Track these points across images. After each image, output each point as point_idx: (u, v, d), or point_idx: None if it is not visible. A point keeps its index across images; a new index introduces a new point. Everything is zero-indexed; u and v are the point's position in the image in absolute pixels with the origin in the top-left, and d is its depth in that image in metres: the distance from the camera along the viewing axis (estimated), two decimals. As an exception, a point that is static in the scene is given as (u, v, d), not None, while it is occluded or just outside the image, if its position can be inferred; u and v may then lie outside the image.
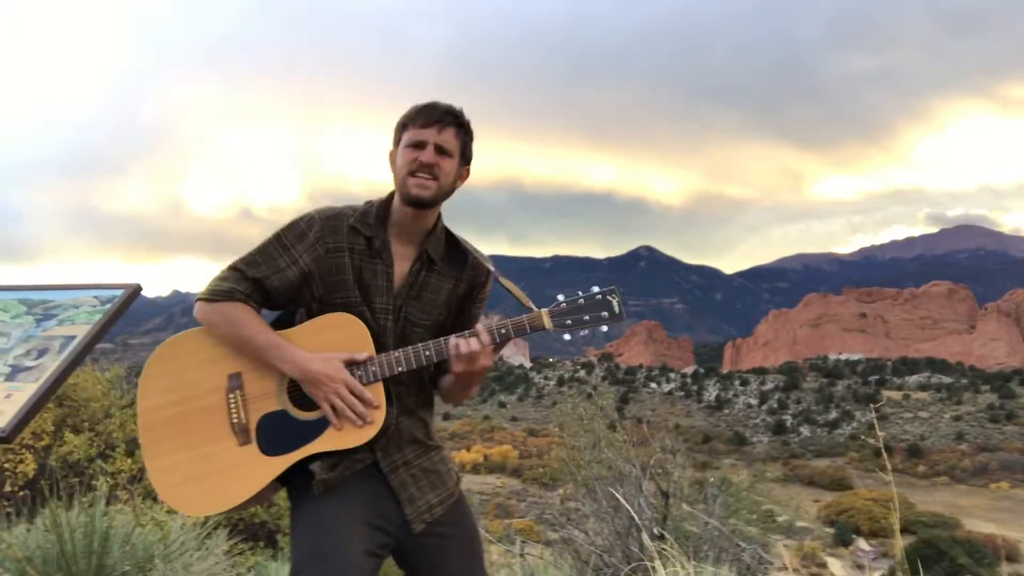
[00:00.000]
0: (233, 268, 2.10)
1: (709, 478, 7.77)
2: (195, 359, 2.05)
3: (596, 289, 2.08)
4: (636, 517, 5.76)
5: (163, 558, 3.88)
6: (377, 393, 2.04)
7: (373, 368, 2.04)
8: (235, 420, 2.01)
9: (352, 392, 2.00)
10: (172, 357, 2.07)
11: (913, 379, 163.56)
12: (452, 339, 2.05)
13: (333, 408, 2.00)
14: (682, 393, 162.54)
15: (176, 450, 2.00)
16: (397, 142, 2.15)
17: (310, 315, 2.17)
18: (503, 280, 2.18)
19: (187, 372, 2.04)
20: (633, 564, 5.03)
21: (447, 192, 2.15)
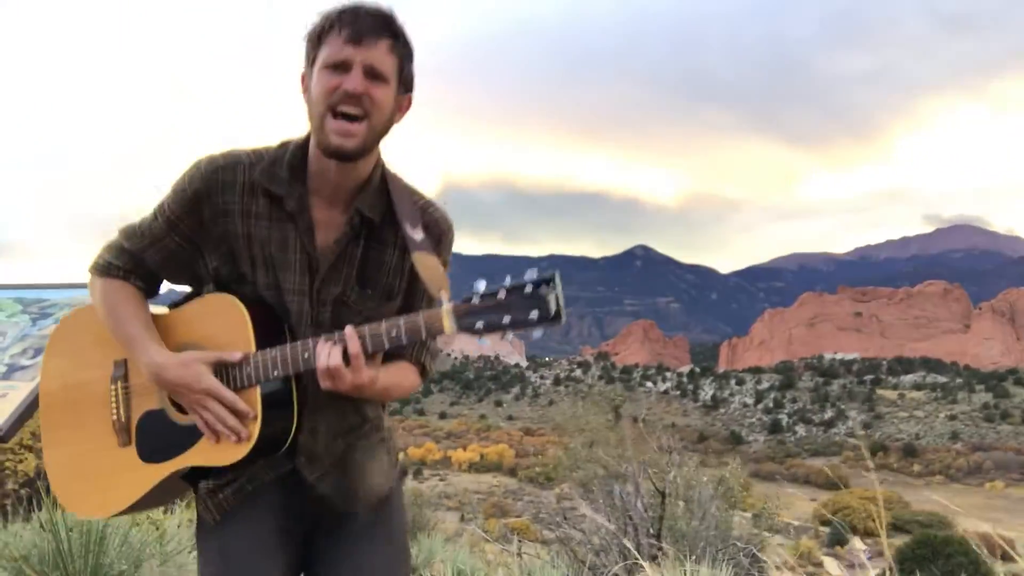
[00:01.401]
0: (118, 237, 1.77)
1: (703, 477, 7.78)
2: (92, 336, 1.81)
3: (529, 277, 1.46)
4: (632, 516, 5.78)
5: (159, 557, 3.88)
6: (251, 402, 1.63)
7: (248, 370, 1.63)
8: (115, 417, 1.75)
9: (222, 402, 1.60)
10: (74, 332, 1.86)
11: (908, 378, 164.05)
12: (320, 342, 1.57)
13: (204, 420, 1.63)
14: (678, 392, 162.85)
15: (67, 442, 1.82)
16: (311, 62, 1.61)
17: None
18: (417, 255, 1.63)
19: (84, 352, 1.83)
20: (629, 563, 5.03)
21: (382, 133, 1.65)
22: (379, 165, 1.74)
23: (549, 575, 5.21)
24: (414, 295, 1.79)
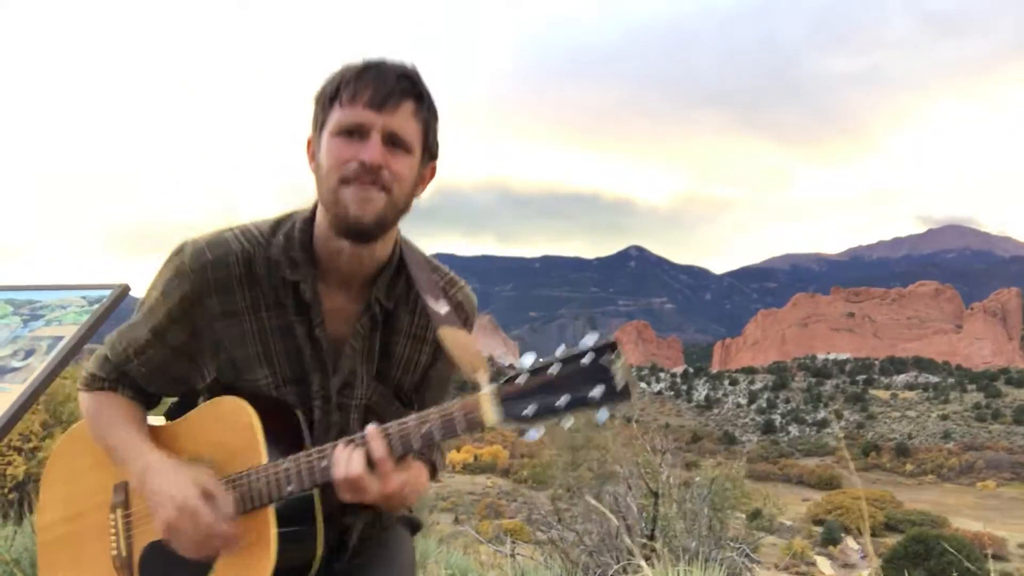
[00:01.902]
0: (104, 346, 1.57)
1: (696, 477, 7.80)
2: (90, 459, 1.58)
3: (585, 344, 1.19)
4: (625, 517, 5.79)
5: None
6: (263, 525, 1.37)
7: (257, 487, 1.37)
8: (115, 551, 1.50)
9: (209, 530, 1.34)
10: (71, 456, 1.64)
11: (900, 378, 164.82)
12: (339, 447, 1.32)
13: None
14: (672, 393, 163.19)
15: None
16: (319, 125, 1.39)
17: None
18: (444, 330, 1.41)
19: (81, 478, 1.60)
20: (622, 564, 5.04)
21: (404, 209, 1.41)
22: (397, 244, 1.50)
23: (543, 576, 5.21)
24: (427, 388, 1.59)
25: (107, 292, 2.88)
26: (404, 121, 1.35)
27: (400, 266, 1.50)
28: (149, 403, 1.57)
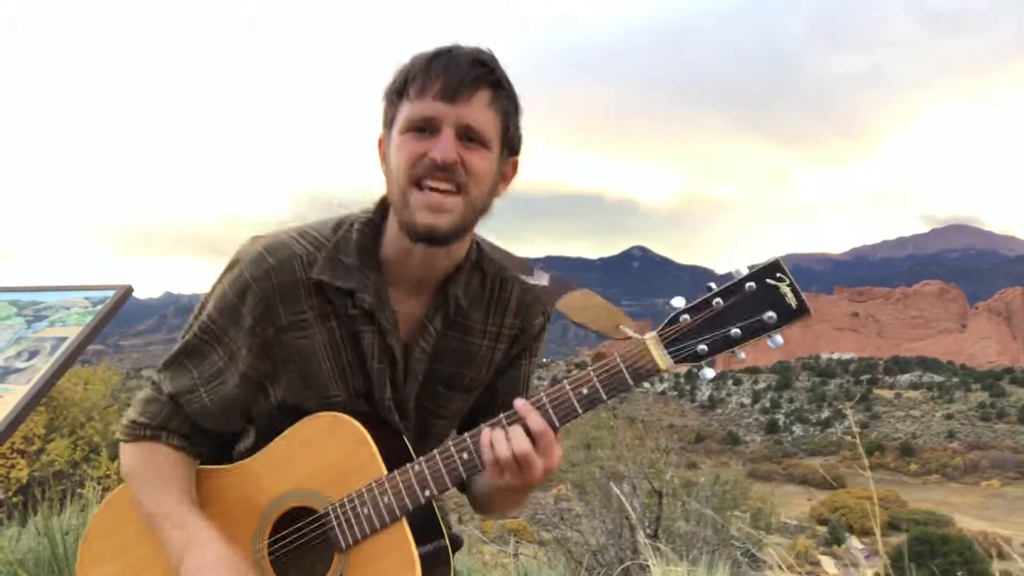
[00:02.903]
0: (152, 382, 1.40)
1: (700, 477, 7.79)
2: (135, 527, 1.39)
3: (742, 271, 1.13)
4: (630, 516, 5.78)
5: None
6: (400, 541, 1.25)
7: (386, 500, 1.25)
8: None
9: None
10: (112, 528, 1.44)
11: (905, 378, 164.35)
12: (485, 432, 1.22)
13: None
14: (675, 393, 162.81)
15: None
16: (389, 123, 1.28)
17: (271, 429, 1.39)
18: (567, 303, 1.40)
19: (131, 550, 1.41)
20: (626, 564, 5.03)
21: (482, 210, 1.29)
22: (473, 240, 1.38)
23: (546, 576, 5.21)
24: (496, 388, 1.48)
25: (110, 293, 2.88)
26: (479, 113, 1.23)
27: (477, 262, 1.40)
28: (199, 450, 1.41)
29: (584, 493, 7.05)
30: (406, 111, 1.23)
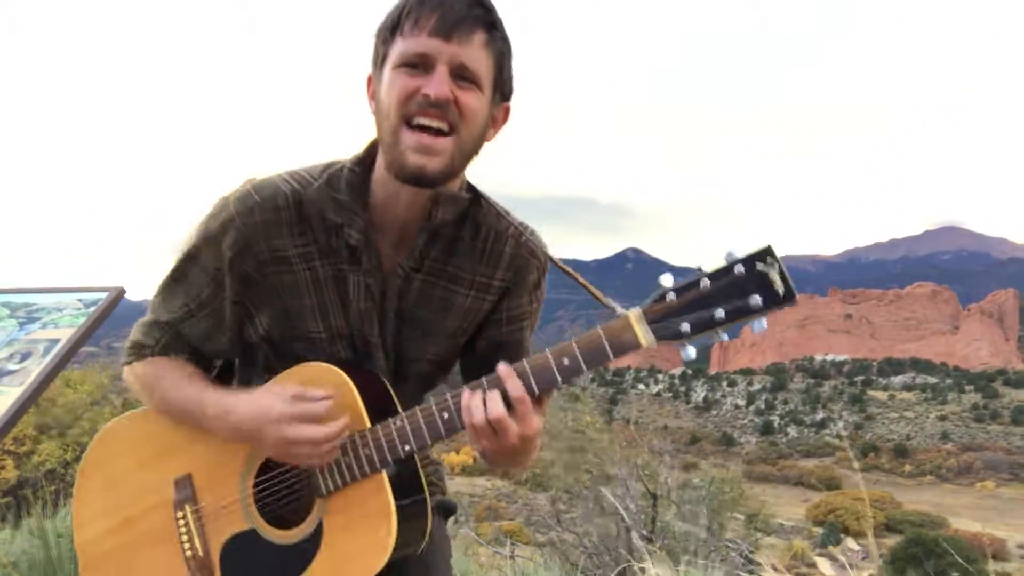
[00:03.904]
0: (147, 312, 1.44)
1: (695, 479, 7.80)
2: (132, 459, 1.45)
3: (734, 255, 1.13)
4: (625, 519, 5.78)
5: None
6: (379, 493, 1.27)
7: (367, 452, 1.27)
8: (189, 553, 1.36)
9: (309, 419, 1.26)
10: (106, 460, 1.47)
11: (898, 379, 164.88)
12: (465, 394, 1.23)
13: (301, 456, 1.27)
14: (670, 394, 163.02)
15: None
16: (380, 60, 1.25)
17: (267, 367, 1.43)
18: (562, 264, 1.36)
19: (125, 481, 1.44)
20: (622, 566, 5.03)
21: (472, 153, 1.27)
22: (463, 186, 1.35)
23: (542, 578, 5.20)
24: (478, 341, 1.46)
25: (103, 294, 2.87)
26: (475, 52, 1.20)
27: (472, 211, 1.36)
28: (203, 367, 1.45)
29: (580, 496, 7.04)
30: (399, 47, 1.20)
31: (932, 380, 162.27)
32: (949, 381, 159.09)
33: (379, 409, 1.31)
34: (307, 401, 1.26)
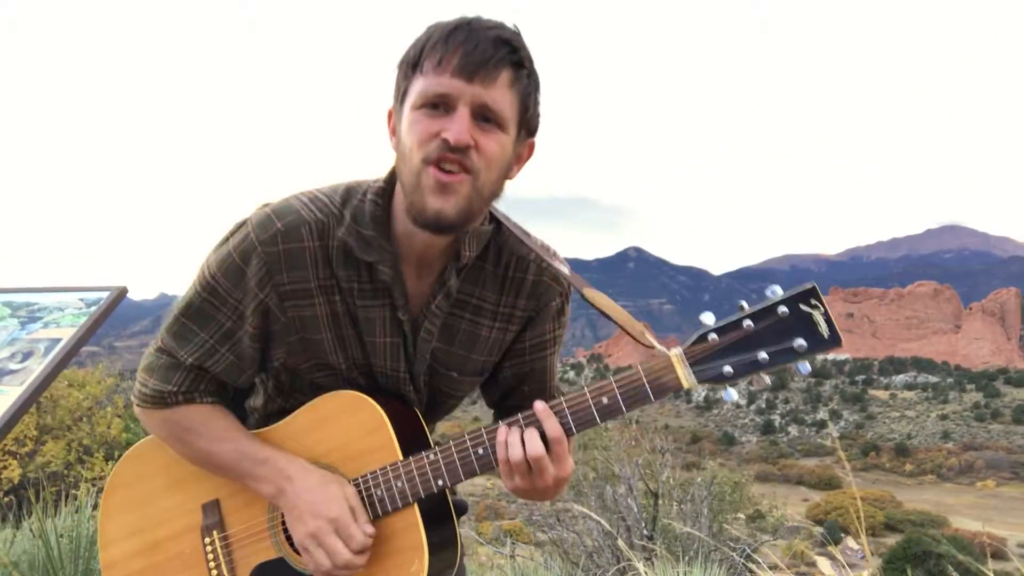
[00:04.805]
0: (161, 349, 1.36)
1: (696, 478, 7.80)
2: (162, 480, 1.44)
3: (776, 293, 1.11)
4: (625, 518, 5.78)
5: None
6: (410, 527, 1.26)
7: (399, 485, 1.26)
8: None
9: (359, 549, 1.25)
10: (135, 479, 1.47)
11: (899, 378, 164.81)
12: (501, 430, 1.22)
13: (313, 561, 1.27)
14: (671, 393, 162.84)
15: None
16: (401, 96, 1.21)
17: (279, 390, 1.43)
18: (593, 296, 1.26)
19: (153, 502, 1.45)
20: (622, 564, 5.03)
21: (492, 196, 1.23)
22: (486, 218, 1.31)
23: (542, 577, 5.20)
24: (530, 380, 1.44)
25: (104, 294, 2.87)
26: (499, 93, 1.15)
27: (495, 239, 1.33)
28: (227, 404, 1.41)
29: (580, 494, 7.04)
30: (420, 85, 1.15)
31: (933, 379, 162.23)
32: (950, 380, 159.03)
33: (411, 441, 1.30)
34: (357, 522, 1.26)
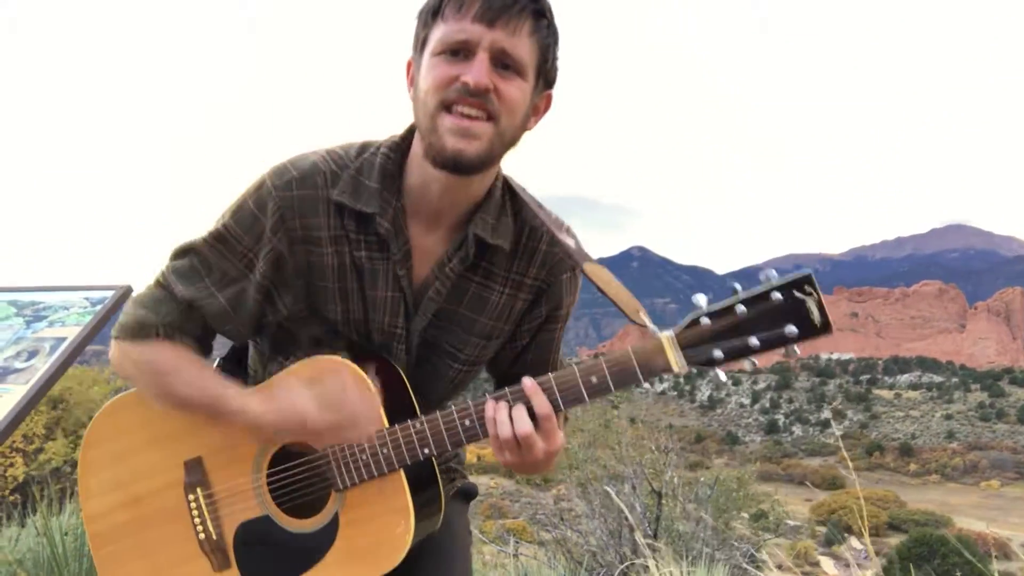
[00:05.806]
0: (159, 283, 1.33)
1: (700, 477, 7.79)
2: (142, 435, 1.43)
3: (771, 277, 1.11)
4: (629, 517, 5.77)
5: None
6: (398, 492, 1.27)
7: (385, 451, 1.26)
8: (202, 536, 1.37)
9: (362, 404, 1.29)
10: (114, 434, 1.45)
11: (904, 378, 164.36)
12: (489, 404, 1.22)
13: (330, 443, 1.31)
14: (675, 393, 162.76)
15: (138, 574, 1.42)
16: (420, 44, 1.22)
17: (275, 349, 1.41)
18: (594, 270, 1.26)
19: (134, 456, 1.43)
20: (626, 564, 5.03)
21: (511, 142, 1.24)
22: (499, 179, 1.33)
23: (546, 576, 5.21)
24: (527, 347, 1.44)
25: (110, 293, 2.88)
26: (519, 40, 1.16)
27: (503, 202, 1.34)
28: (204, 354, 1.38)
29: (584, 493, 7.04)
30: (440, 32, 1.17)
31: (938, 379, 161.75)
32: (955, 380, 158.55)
33: (395, 402, 1.30)
34: (340, 403, 1.26)
